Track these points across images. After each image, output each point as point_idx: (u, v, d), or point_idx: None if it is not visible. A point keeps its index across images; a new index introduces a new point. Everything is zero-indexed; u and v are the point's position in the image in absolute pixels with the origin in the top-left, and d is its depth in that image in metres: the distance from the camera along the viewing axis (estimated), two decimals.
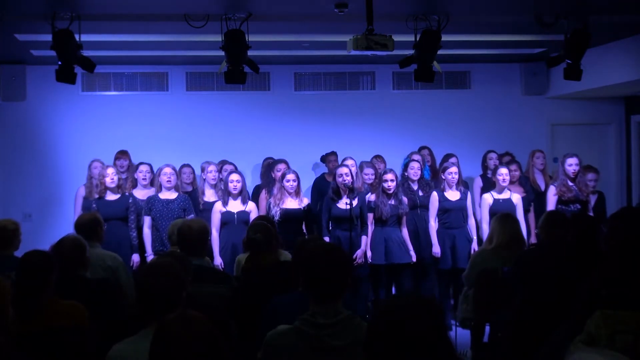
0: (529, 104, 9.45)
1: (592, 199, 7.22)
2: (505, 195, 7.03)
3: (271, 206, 6.68)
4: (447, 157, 8.10)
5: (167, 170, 6.77)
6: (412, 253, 6.83)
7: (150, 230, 6.67)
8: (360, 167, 7.33)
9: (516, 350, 4.20)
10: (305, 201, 6.84)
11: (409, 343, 1.89)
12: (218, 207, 6.69)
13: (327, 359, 2.56)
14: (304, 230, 6.74)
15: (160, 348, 2.09)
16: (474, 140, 8.97)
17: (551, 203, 7.05)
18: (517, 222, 5.52)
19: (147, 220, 6.71)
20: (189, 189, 7.53)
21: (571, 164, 7.04)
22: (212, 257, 6.32)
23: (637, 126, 9.38)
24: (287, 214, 6.61)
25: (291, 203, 6.67)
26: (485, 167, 8.07)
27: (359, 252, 6.61)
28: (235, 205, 6.68)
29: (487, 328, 5.44)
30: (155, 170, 7.37)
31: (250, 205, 6.75)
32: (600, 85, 8.14)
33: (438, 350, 1.90)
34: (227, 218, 6.63)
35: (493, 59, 9.13)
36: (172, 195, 6.76)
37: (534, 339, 3.81)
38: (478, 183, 7.96)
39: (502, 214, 5.71)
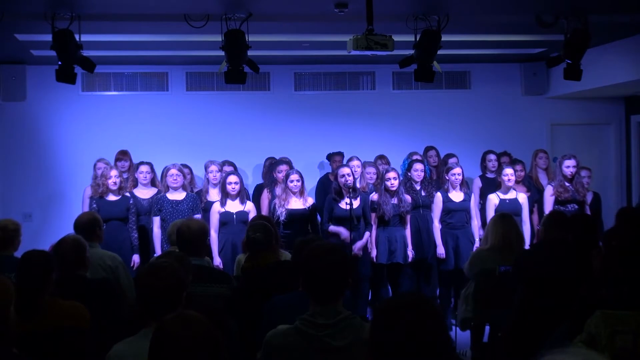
0: (529, 104, 9.44)
1: (588, 198, 7.22)
2: (511, 195, 7.01)
3: (276, 207, 6.68)
4: (447, 157, 8.10)
5: (173, 171, 6.77)
6: (410, 252, 6.83)
7: (160, 231, 6.63)
8: (363, 166, 7.36)
9: (516, 350, 4.19)
10: (310, 201, 6.84)
11: (411, 342, 1.89)
12: (216, 207, 6.69)
13: (327, 359, 2.56)
14: (310, 230, 6.73)
15: (159, 348, 2.10)
16: (474, 140, 8.96)
17: (549, 203, 7.05)
18: (512, 223, 5.42)
19: (156, 221, 6.69)
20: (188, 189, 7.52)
21: (569, 166, 7.04)
22: (211, 258, 6.32)
23: (637, 126, 9.37)
24: (293, 214, 6.61)
25: (296, 203, 6.67)
26: (484, 167, 8.06)
27: (358, 243, 6.58)
28: (233, 206, 6.67)
29: (487, 328, 5.45)
30: (155, 169, 7.38)
31: (249, 205, 6.75)
32: (600, 85, 8.13)
33: (439, 350, 1.91)
34: (226, 218, 6.62)
35: (493, 59, 9.12)
36: (180, 195, 6.75)
37: (533, 339, 3.80)
38: (477, 183, 7.93)
39: (498, 214, 5.69)
